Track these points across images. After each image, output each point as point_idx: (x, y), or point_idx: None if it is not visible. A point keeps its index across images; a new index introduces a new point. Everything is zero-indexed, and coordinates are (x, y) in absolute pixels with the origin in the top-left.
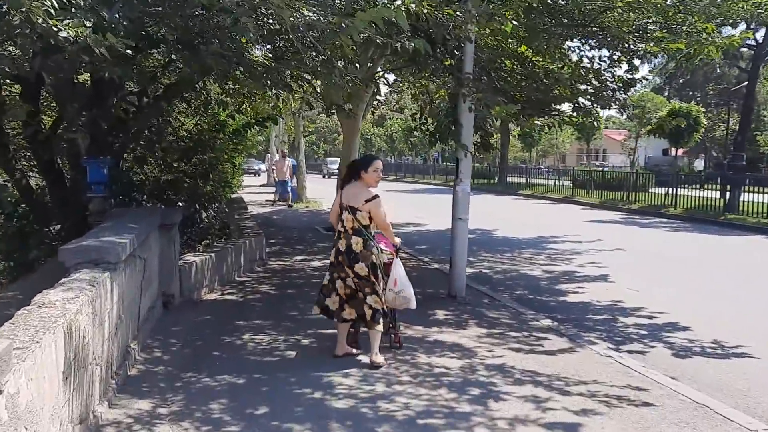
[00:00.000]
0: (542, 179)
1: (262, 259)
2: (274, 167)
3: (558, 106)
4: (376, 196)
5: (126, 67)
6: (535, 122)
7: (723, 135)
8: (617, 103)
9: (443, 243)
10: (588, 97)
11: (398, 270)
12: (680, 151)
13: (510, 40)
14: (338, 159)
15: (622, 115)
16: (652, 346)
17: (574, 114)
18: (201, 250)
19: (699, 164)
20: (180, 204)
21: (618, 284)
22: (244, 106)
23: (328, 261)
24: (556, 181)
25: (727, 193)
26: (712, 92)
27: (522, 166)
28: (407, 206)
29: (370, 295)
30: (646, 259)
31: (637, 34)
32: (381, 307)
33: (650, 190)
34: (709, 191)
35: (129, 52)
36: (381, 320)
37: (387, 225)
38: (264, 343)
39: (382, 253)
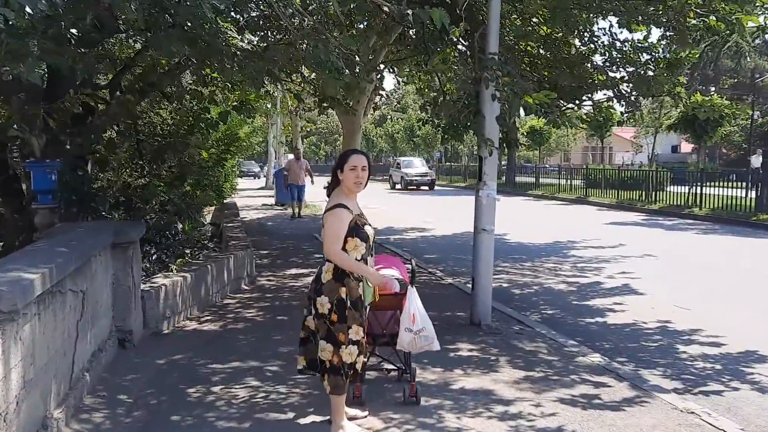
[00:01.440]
0: (552, 179)
1: (251, 275)
2: (286, 172)
3: (591, 95)
4: (336, 206)
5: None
6: (569, 114)
7: (735, 130)
8: (658, 88)
9: (453, 251)
10: (625, 84)
11: (415, 302)
12: (689, 148)
13: (534, 20)
14: (411, 159)
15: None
16: (736, 389)
17: (612, 103)
18: (175, 270)
19: (756, 161)
20: (151, 215)
21: (660, 299)
22: (221, 97)
23: None
24: (567, 181)
25: (753, 192)
26: (726, 86)
27: (528, 165)
28: (412, 210)
29: (324, 341)
30: (683, 268)
31: (701, 8)
32: (337, 363)
33: (666, 189)
34: (733, 189)
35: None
36: (338, 382)
37: (334, 251)
38: (241, 400)
39: (397, 281)
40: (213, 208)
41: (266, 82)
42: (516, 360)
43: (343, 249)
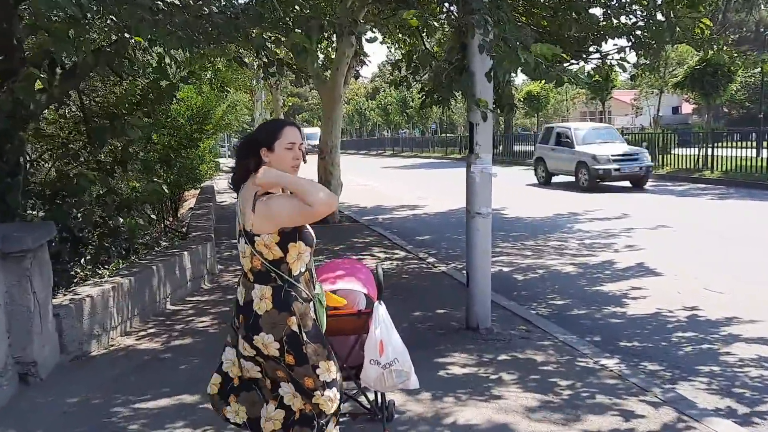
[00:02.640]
0: None
1: (212, 271)
2: None
3: (599, 47)
4: (265, 194)
5: None
6: (576, 70)
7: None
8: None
9: (448, 230)
10: (640, 31)
11: (384, 325)
12: (689, 109)
13: None
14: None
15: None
16: None
17: (625, 54)
18: (108, 275)
19: None
20: (84, 210)
21: (685, 281)
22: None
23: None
24: None
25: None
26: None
27: (525, 133)
28: (404, 185)
29: (288, 386)
30: (703, 240)
31: None
32: (310, 412)
33: (672, 152)
34: (744, 150)
35: None
36: None
37: (302, 210)
38: None
39: (363, 295)
40: (196, 193)
41: (201, 43)
42: (527, 380)
43: (283, 260)
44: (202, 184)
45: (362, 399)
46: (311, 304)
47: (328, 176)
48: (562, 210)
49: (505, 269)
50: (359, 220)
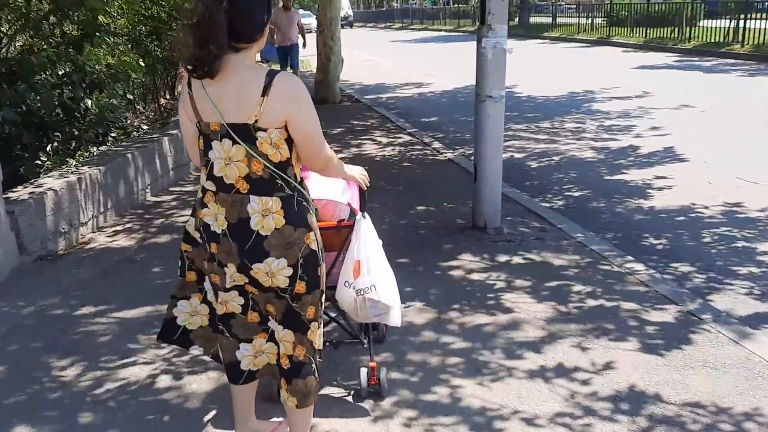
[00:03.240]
0: (570, 18)
1: None
2: (272, 25)
3: None
4: (292, 77)
5: None
6: None
7: None
8: None
9: (456, 110)
10: None
11: (365, 242)
12: None
13: None
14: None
15: None
16: None
17: None
18: (75, 164)
19: None
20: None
21: (715, 168)
22: None
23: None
24: (587, 19)
25: None
26: None
27: (542, 3)
28: (412, 60)
29: (281, 328)
30: (733, 122)
31: None
32: (304, 357)
33: (699, 24)
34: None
35: None
36: (309, 386)
37: (330, 155)
38: (122, 385)
39: (344, 205)
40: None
41: None
42: (540, 286)
43: (289, 162)
44: None
45: (344, 322)
46: (313, 216)
47: (327, 51)
48: (577, 88)
49: (517, 155)
50: (361, 99)
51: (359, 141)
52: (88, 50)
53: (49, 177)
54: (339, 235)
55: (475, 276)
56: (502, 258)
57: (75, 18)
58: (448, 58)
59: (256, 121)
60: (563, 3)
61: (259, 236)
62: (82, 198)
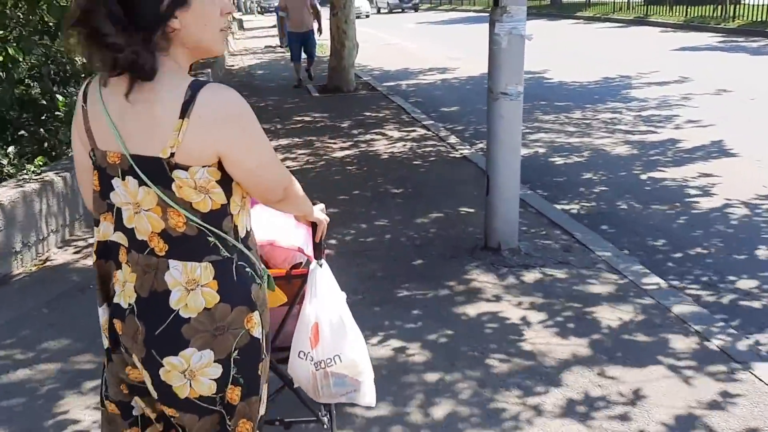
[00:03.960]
0: None
1: None
2: (282, 12)
3: None
4: (228, 90)
5: None
6: None
7: None
8: None
9: (478, 99)
10: None
11: (325, 299)
12: None
13: None
14: None
15: None
16: None
17: None
18: (34, 170)
19: None
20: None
21: None
22: None
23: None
24: None
25: None
26: None
27: None
28: (437, 44)
29: None
30: None
31: None
32: None
33: (744, 1)
34: None
35: None
36: None
37: (288, 185)
38: None
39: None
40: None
41: None
42: (564, 329)
43: (226, 212)
44: None
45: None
46: (263, 282)
47: (341, 35)
48: (612, 72)
49: (543, 151)
50: (378, 87)
51: (368, 136)
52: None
53: (2, 186)
54: (289, 287)
55: (484, 308)
56: (519, 287)
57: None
58: (475, 40)
59: (171, 155)
60: None
61: (179, 318)
62: (43, 209)
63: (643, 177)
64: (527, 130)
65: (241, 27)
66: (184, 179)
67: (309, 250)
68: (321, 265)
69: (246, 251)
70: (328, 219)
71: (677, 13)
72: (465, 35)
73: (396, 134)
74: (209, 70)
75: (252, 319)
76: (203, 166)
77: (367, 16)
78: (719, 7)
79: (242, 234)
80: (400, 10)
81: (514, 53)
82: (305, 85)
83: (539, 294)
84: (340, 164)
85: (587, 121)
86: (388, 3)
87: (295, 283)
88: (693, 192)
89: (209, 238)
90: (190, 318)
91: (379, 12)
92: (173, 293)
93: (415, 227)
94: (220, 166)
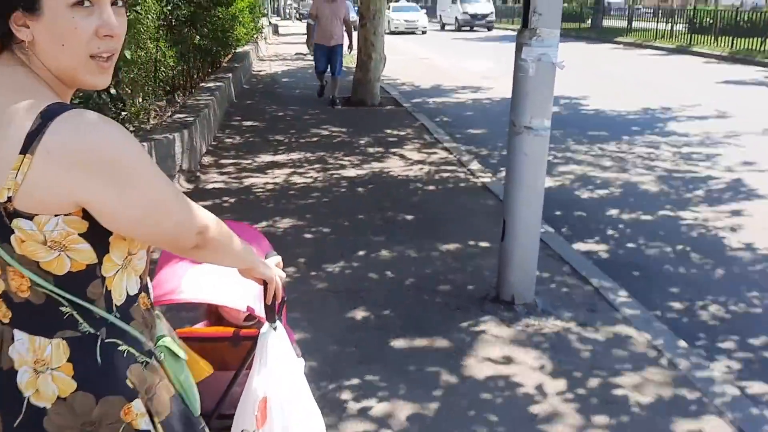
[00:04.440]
0: (648, 23)
1: (192, 170)
2: (311, 20)
3: None
4: (58, 105)
5: None
6: None
7: None
8: None
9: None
10: None
11: (276, 369)
12: None
13: None
14: None
15: None
16: None
17: None
18: None
19: None
20: None
21: None
22: None
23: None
24: (667, 25)
25: None
26: None
27: (617, 3)
28: (472, 60)
29: None
30: None
31: None
32: None
33: None
34: None
35: None
36: None
37: (204, 223)
38: None
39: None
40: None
41: None
42: (586, 403)
43: (93, 275)
44: (236, 50)
45: None
46: (158, 358)
47: (368, 48)
48: (651, 102)
49: (571, 183)
50: (404, 103)
51: (385, 155)
52: None
53: None
54: (236, 351)
55: (491, 371)
56: (533, 350)
57: None
58: (510, 60)
59: (8, 199)
60: (640, 6)
61: (34, 408)
62: None
63: (681, 220)
64: (556, 160)
65: (276, 32)
66: (28, 231)
67: (261, 310)
68: (275, 329)
69: (122, 324)
70: (283, 275)
71: (722, 44)
72: (501, 54)
73: (415, 155)
74: (230, 75)
75: (131, 410)
76: (57, 215)
77: (423, 32)
78: (767, 40)
79: (119, 301)
80: (468, 28)
81: (543, 82)
82: (328, 97)
83: (557, 360)
84: (350, 185)
85: (622, 155)
86: (456, 19)
87: (244, 345)
88: (735, 242)
89: (63, 308)
90: (45, 408)
91: (443, 28)
92: (20, 373)
93: (421, 264)
94: (86, 214)
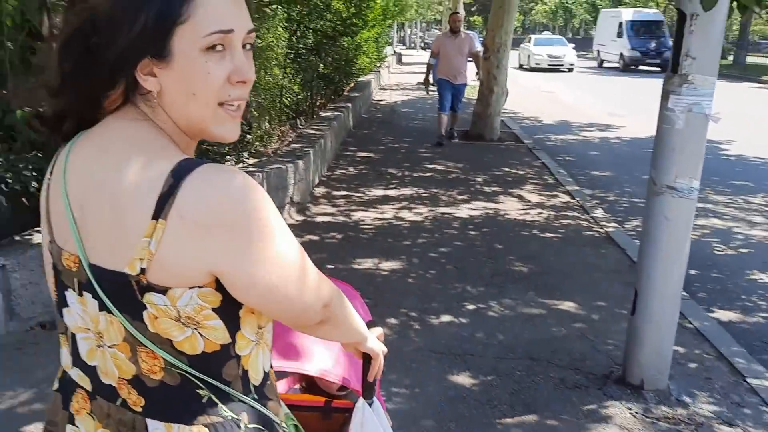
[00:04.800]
0: None
1: (302, 202)
2: (433, 58)
3: None
4: (240, 175)
5: None
6: None
7: None
8: None
9: (639, 165)
10: None
11: None
12: None
13: None
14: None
15: None
16: None
17: None
18: None
19: None
20: None
21: None
22: None
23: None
24: None
25: None
26: None
27: (763, 42)
28: (600, 96)
29: None
30: None
31: None
32: None
33: None
34: None
35: None
36: None
37: (330, 296)
38: None
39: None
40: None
41: None
42: None
43: (228, 354)
44: (358, 79)
45: None
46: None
47: (490, 81)
48: None
49: (709, 241)
50: (524, 139)
51: (502, 196)
52: None
53: None
54: (327, 424)
55: None
56: None
57: None
58: (644, 96)
59: (142, 271)
60: None
61: None
62: None
63: None
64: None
65: (399, 61)
66: (162, 307)
67: (356, 382)
68: (371, 404)
69: (261, 407)
70: (385, 350)
71: None
72: (633, 90)
73: (534, 198)
74: (350, 104)
75: None
76: (191, 288)
77: (570, 71)
78: None
79: (257, 381)
80: (634, 67)
81: (693, 137)
82: (449, 140)
83: None
84: (461, 226)
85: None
86: (622, 55)
87: (336, 418)
88: None
89: (200, 391)
90: None
91: (600, 65)
92: None
93: (535, 327)
94: (219, 285)
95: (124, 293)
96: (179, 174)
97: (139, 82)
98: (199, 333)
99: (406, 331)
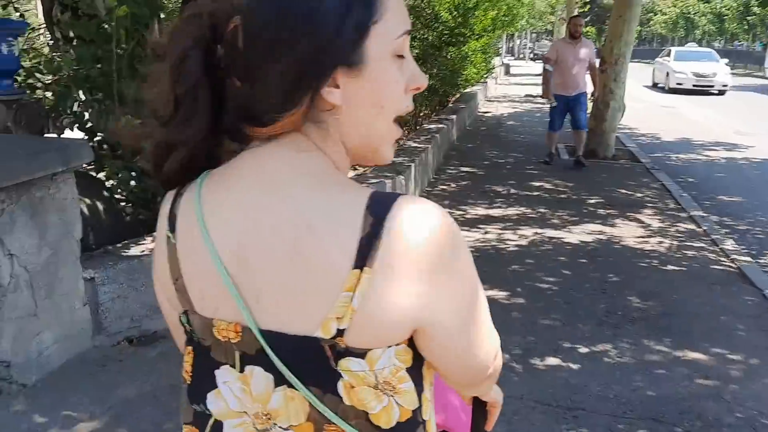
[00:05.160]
0: None
1: None
2: (549, 67)
3: None
4: (435, 210)
5: None
6: None
7: None
8: None
9: None
10: None
11: None
12: None
13: None
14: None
15: None
16: None
17: None
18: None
19: None
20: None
21: None
22: None
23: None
24: None
25: None
26: None
27: None
28: (720, 113)
29: None
30: None
31: None
32: None
33: None
34: None
35: None
36: None
37: (497, 352)
38: None
39: None
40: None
41: None
42: None
43: (417, 420)
44: (464, 90)
45: None
46: None
47: (606, 95)
48: None
49: None
50: (641, 158)
51: (618, 220)
52: None
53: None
54: None
55: None
56: None
57: None
58: None
59: (339, 333)
60: None
61: None
62: None
63: None
64: None
65: (507, 72)
66: (359, 373)
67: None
68: None
69: None
70: (501, 399)
71: None
72: (757, 105)
73: (655, 224)
74: (454, 117)
75: None
76: (390, 346)
77: (722, 93)
78: None
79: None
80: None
81: None
82: (576, 164)
83: None
84: (572, 253)
85: None
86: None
87: None
88: None
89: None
90: None
91: (655, 86)
92: None
93: (658, 380)
94: (410, 341)
95: (313, 362)
96: (377, 211)
97: (322, 98)
98: (395, 400)
99: (507, 374)
